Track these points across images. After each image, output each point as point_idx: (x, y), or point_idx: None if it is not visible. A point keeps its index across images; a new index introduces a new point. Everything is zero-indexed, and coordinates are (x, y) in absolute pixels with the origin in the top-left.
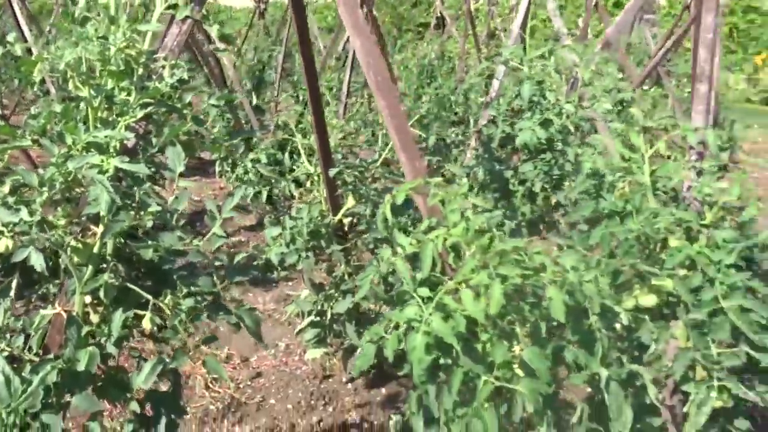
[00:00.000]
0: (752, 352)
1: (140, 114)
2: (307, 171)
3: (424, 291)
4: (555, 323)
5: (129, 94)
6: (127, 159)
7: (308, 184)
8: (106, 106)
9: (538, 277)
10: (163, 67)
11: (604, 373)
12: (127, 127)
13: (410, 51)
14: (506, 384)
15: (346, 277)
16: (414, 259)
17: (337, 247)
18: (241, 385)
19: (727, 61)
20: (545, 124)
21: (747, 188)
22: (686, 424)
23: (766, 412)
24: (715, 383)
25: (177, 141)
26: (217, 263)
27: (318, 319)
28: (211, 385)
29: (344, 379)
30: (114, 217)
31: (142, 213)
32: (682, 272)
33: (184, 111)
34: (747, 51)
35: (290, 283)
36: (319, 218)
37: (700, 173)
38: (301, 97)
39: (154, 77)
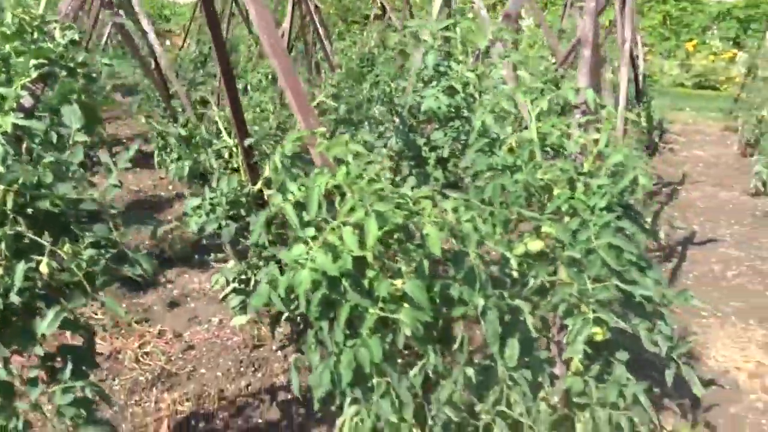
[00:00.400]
0: (622, 285)
1: (35, 74)
2: (226, 144)
3: (311, 231)
4: (442, 264)
5: (23, 56)
6: (22, 115)
7: (227, 156)
8: (3, 68)
9: (419, 218)
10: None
11: (480, 302)
12: (23, 87)
13: (349, 40)
14: (389, 315)
15: (267, 244)
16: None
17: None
18: (172, 358)
19: (661, 48)
20: (449, 91)
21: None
22: (568, 347)
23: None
24: (591, 315)
25: (75, 101)
26: (112, 211)
27: (242, 286)
28: (141, 359)
29: (274, 347)
30: (9, 170)
31: (38, 167)
32: (566, 219)
33: (78, 70)
34: (679, 38)
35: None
36: (239, 188)
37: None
38: (240, 86)
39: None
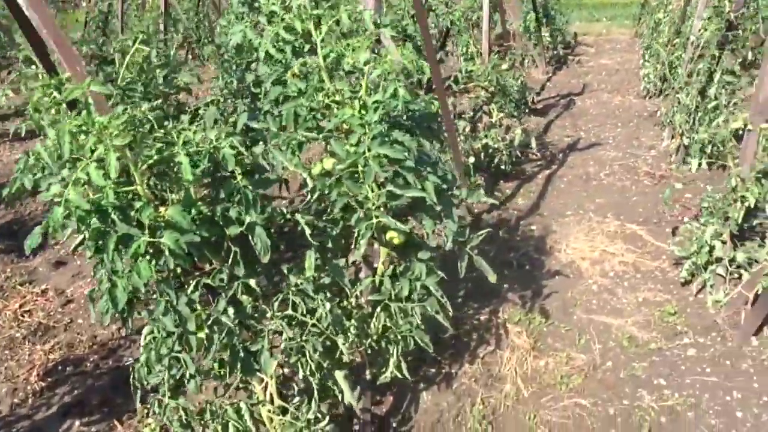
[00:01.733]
0: (394, 190)
1: None
2: None
3: (65, 172)
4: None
5: None
6: None
7: None
8: None
9: (173, 149)
10: None
11: (248, 219)
12: None
13: None
14: (154, 239)
15: None
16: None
17: None
18: (51, 313)
19: None
20: (257, 26)
21: (411, 60)
22: (355, 251)
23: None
24: (374, 221)
25: None
26: None
27: None
28: (21, 318)
29: None
30: None
31: None
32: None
33: None
34: None
35: None
36: None
37: (375, 52)
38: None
39: None
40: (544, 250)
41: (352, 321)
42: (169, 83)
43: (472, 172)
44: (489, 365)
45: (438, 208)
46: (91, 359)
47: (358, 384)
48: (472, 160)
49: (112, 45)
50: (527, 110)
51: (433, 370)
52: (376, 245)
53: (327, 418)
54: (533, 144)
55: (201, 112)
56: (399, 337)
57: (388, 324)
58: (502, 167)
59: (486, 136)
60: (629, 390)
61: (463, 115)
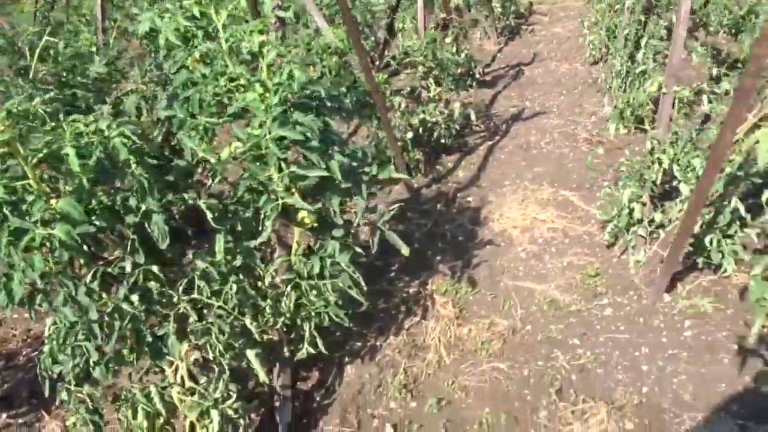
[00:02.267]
0: (297, 170)
1: None
2: None
3: None
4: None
5: None
6: None
7: None
8: None
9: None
10: None
11: (143, 206)
12: None
13: None
14: (46, 231)
15: None
16: None
17: None
18: None
19: None
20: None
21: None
22: (262, 233)
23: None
24: (280, 202)
25: None
26: None
27: None
28: None
29: None
30: None
31: None
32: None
33: None
34: None
35: None
36: None
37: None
38: None
39: None
40: (478, 220)
41: (268, 301)
42: (83, 74)
43: (410, 148)
44: (414, 336)
45: (347, 186)
46: (24, 353)
47: (277, 362)
48: (410, 135)
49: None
50: (474, 83)
51: (359, 344)
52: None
53: (234, 396)
54: (473, 117)
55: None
56: (313, 314)
57: (304, 301)
58: (442, 141)
59: (423, 111)
60: (545, 351)
61: (401, 92)
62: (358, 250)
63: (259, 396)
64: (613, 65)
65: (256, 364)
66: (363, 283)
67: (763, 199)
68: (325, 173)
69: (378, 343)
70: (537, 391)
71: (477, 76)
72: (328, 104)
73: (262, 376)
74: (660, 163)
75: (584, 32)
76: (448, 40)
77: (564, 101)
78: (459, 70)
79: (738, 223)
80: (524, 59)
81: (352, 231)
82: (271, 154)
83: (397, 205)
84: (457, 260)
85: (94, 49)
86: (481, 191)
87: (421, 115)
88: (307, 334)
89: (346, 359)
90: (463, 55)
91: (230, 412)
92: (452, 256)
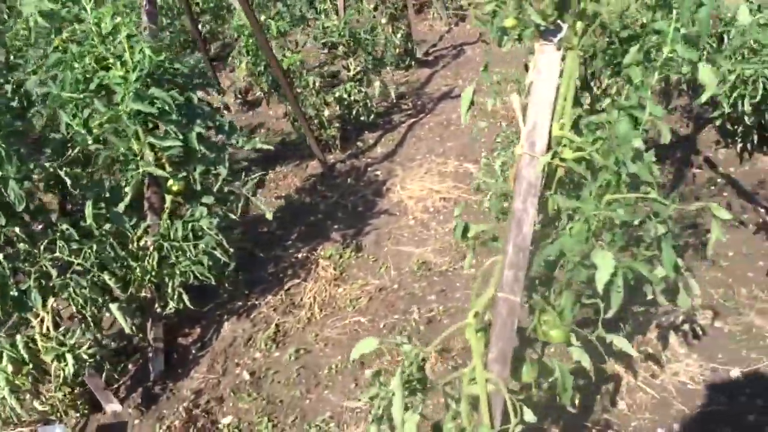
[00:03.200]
0: (154, 141)
1: None
2: None
3: None
4: None
5: None
6: None
7: None
8: None
9: None
10: None
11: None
12: None
13: None
14: None
15: None
16: None
17: None
18: None
19: None
20: None
21: None
22: (125, 195)
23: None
24: (140, 170)
25: None
26: None
27: None
28: None
29: None
30: None
31: None
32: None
33: None
34: None
35: None
36: None
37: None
38: None
39: None
40: (381, 192)
41: (139, 261)
42: None
43: (326, 125)
44: (293, 296)
45: (211, 156)
46: None
47: (150, 317)
48: (327, 113)
49: None
50: (414, 62)
51: (240, 303)
52: None
53: (90, 342)
54: (392, 95)
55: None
56: (178, 273)
57: (172, 261)
58: (362, 118)
59: (339, 90)
60: (404, 307)
61: (316, 69)
62: (233, 216)
63: (137, 348)
64: None
65: (119, 317)
66: (226, 245)
67: None
68: (177, 143)
69: (258, 302)
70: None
71: (418, 55)
72: (196, 81)
73: (126, 328)
74: None
75: None
76: (384, 20)
77: (498, 80)
78: (396, 50)
79: None
80: (470, 39)
81: (231, 199)
82: (129, 126)
83: (259, 174)
84: (351, 228)
85: None
86: (392, 165)
87: (337, 94)
88: (170, 291)
89: (226, 317)
90: (399, 35)
91: (85, 356)
92: (348, 224)
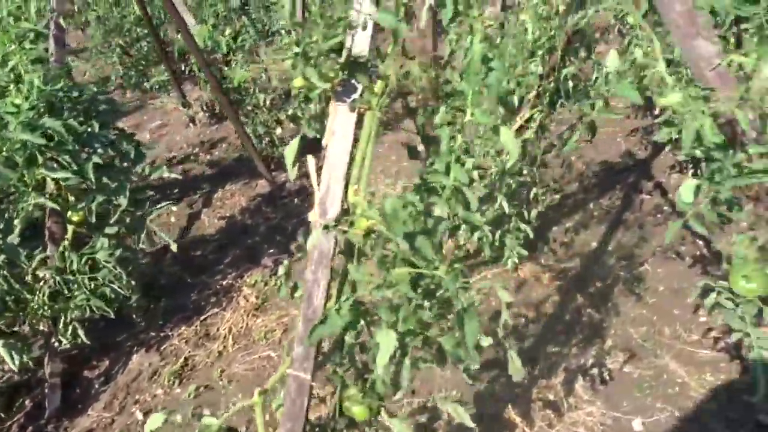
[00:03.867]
0: (44, 172)
1: None
2: None
3: None
4: None
5: None
6: None
7: None
8: None
9: None
10: None
11: None
12: None
13: None
14: None
15: None
16: None
17: None
18: None
19: None
20: None
21: None
22: (14, 227)
23: None
24: (31, 202)
25: None
26: None
27: None
28: None
29: None
30: None
31: None
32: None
33: None
34: None
35: None
36: None
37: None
38: None
39: None
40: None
41: (33, 294)
42: None
43: (276, 143)
44: (209, 326)
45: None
46: None
47: (47, 351)
48: (279, 131)
49: None
50: None
51: (153, 334)
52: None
53: None
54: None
55: None
56: (72, 306)
57: (68, 294)
58: (318, 136)
59: (294, 108)
60: None
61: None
62: (142, 246)
63: (41, 382)
64: None
65: (5, 355)
66: (125, 277)
67: None
68: (68, 174)
69: (172, 333)
70: None
71: None
72: (102, 108)
73: (13, 366)
74: None
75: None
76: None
77: None
78: None
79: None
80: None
81: (144, 229)
82: (17, 157)
83: (166, 203)
84: (285, 253)
85: None
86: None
87: (290, 111)
88: (61, 327)
89: (136, 348)
90: None
91: None
92: (283, 249)
